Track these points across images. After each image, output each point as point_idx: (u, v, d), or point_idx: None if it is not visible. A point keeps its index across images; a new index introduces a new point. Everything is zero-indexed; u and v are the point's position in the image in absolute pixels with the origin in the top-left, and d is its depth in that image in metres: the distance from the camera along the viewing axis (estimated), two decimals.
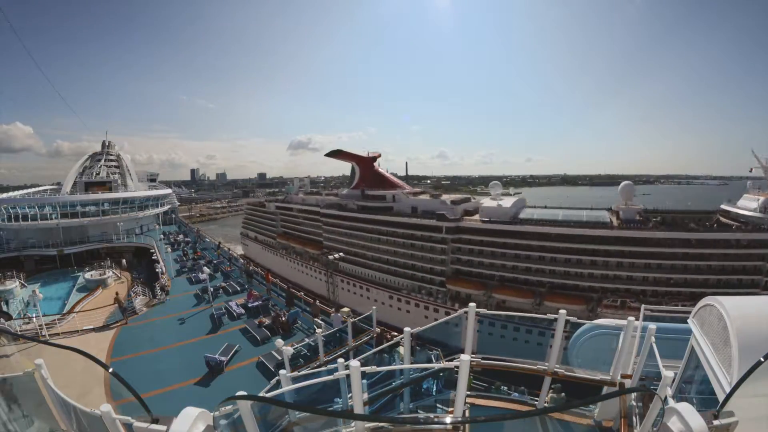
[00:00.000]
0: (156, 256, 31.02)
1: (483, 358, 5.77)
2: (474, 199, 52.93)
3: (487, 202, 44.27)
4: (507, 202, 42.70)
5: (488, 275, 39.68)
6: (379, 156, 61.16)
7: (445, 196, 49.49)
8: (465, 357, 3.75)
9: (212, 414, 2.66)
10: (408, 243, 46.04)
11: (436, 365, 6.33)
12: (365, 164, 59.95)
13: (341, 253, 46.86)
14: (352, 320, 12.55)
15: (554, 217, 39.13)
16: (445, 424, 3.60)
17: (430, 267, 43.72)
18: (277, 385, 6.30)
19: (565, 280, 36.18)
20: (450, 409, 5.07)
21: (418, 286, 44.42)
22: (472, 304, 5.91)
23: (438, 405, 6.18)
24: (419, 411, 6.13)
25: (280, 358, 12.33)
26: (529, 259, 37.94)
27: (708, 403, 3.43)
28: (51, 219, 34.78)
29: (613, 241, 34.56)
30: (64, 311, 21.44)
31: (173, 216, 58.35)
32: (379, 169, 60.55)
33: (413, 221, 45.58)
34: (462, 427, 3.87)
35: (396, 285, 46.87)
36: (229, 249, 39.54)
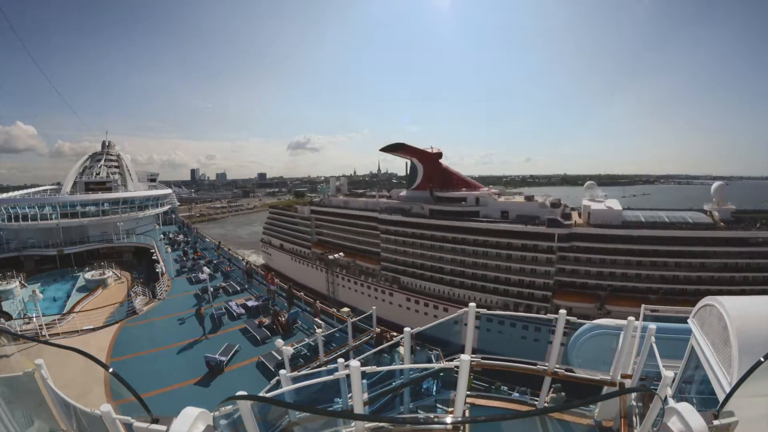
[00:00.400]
0: (156, 256, 31.01)
1: (483, 358, 5.77)
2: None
3: (594, 204, 40.30)
4: (615, 204, 39.73)
5: (596, 285, 36.42)
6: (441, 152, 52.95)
7: (537, 198, 44.08)
8: (465, 357, 3.75)
9: (212, 414, 2.66)
10: (504, 254, 40.30)
11: (436, 365, 6.33)
12: (430, 161, 51.47)
13: (341, 253, 44.92)
14: (352, 320, 12.56)
15: (660, 219, 37.30)
16: (445, 424, 3.60)
17: (530, 280, 39.09)
18: (277, 385, 6.31)
19: (673, 285, 34.58)
20: (450, 409, 5.07)
21: (514, 302, 39.21)
22: (472, 304, 5.90)
23: (438, 405, 6.18)
24: (419, 411, 6.13)
25: (280, 358, 12.32)
26: (639, 265, 35.75)
27: (708, 403, 3.42)
28: (51, 219, 34.78)
29: (724, 242, 33.85)
30: (64, 311, 21.45)
31: (173, 216, 58.32)
32: (447, 166, 52.01)
33: (518, 228, 39.77)
34: (462, 427, 3.87)
35: (485, 303, 40.36)
36: (229, 249, 39.49)
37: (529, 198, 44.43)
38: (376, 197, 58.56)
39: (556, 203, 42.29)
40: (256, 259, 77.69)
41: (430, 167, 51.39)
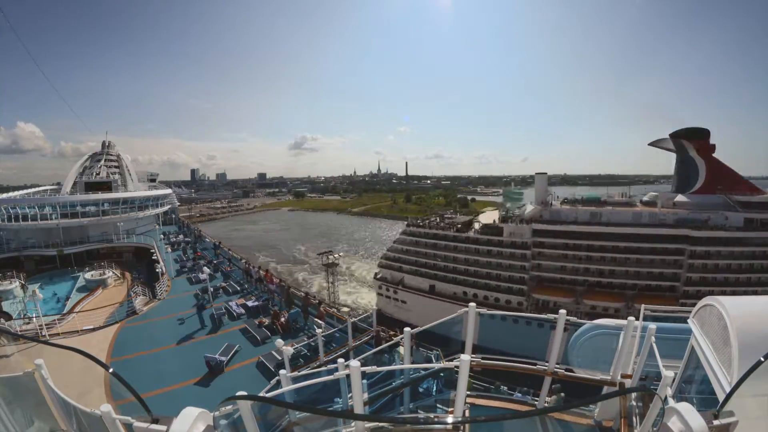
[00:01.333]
0: (156, 256, 31.01)
1: (483, 358, 5.76)
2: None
3: None
4: None
5: None
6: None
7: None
8: (465, 357, 3.74)
9: (212, 414, 2.66)
10: None
11: (436, 365, 6.34)
12: (708, 154, 41.56)
13: (341, 253, 42.29)
14: (352, 320, 12.55)
15: None
16: (446, 424, 3.60)
17: None
18: (277, 385, 6.30)
19: None
20: (450, 409, 5.07)
21: None
22: (472, 304, 5.90)
23: (438, 405, 6.19)
24: (419, 411, 6.13)
25: (280, 358, 12.32)
26: None
27: (708, 402, 3.43)
28: (51, 219, 34.77)
29: None
30: (64, 311, 21.45)
31: (173, 216, 58.28)
32: (721, 161, 42.01)
33: None
34: (462, 427, 3.86)
35: None
36: (229, 249, 39.47)
37: None
38: (657, 207, 41.84)
39: None
40: (331, 292, 53.05)
41: (713, 164, 41.41)
